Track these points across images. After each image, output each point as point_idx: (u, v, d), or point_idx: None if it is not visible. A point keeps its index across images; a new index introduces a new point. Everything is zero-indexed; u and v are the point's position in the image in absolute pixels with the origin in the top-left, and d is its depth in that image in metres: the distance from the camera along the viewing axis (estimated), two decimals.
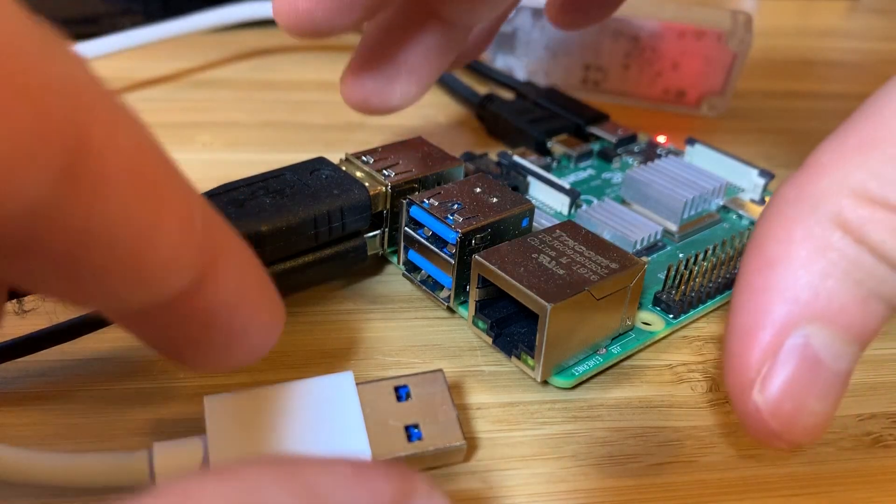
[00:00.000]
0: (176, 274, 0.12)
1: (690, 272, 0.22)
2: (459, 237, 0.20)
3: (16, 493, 0.16)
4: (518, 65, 0.36)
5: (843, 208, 0.15)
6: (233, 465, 0.11)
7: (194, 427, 0.17)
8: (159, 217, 0.11)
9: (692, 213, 0.25)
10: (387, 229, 0.22)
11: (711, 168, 0.27)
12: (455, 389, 0.19)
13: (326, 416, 0.16)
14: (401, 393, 0.17)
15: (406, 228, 0.21)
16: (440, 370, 0.18)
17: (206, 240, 0.12)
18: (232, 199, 0.20)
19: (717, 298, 0.23)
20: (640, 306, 0.22)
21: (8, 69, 0.09)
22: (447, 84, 0.35)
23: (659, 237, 0.24)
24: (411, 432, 0.17)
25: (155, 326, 0.13)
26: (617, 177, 0.28)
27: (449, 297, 0.21)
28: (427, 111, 0.34)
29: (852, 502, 0.17)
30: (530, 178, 0.26)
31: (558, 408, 0.19)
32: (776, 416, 0.15)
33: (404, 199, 0.21)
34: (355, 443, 0.16)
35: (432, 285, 0.21)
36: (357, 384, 0.17)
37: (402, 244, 0.22)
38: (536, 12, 0.35)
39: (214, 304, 0.13)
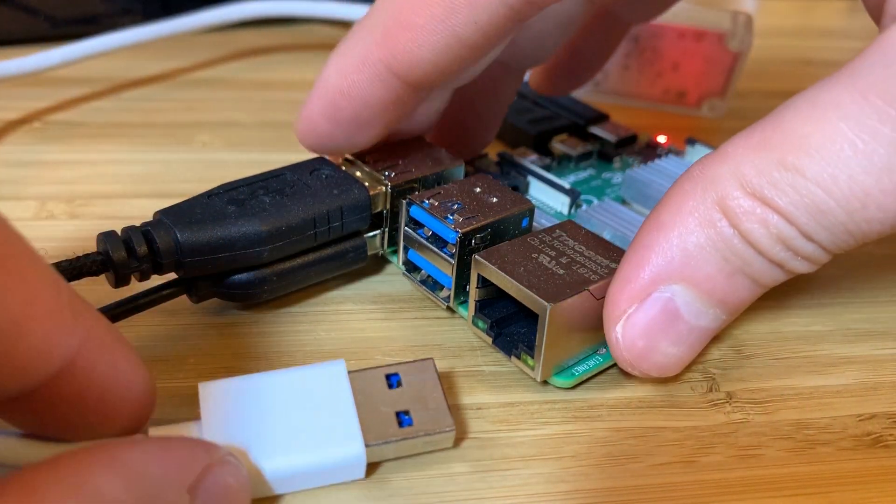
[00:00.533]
0: (50, 357, 0.13)
1: None
2: (459, 237, 0.20)
3: None
4: None
5: (728, 195, 0.17)
6: (66, 455, 0.12)
7: None
8: (31, 308, 0.12)
9: None
10: (387, 229, 0.22)
11: None
12: (455, 389, 0.19)
13: (319, 402, 0.17)
14: (392, 381, 0.18)
15: (406, 228, 0.21)
16: (430, 358, 0.18)
17: (75, 323, 0.13)
18: (232, 198, 0.20)
19: None
20: None
21: None
22: None
23: None
24: (402, 419, 0.17)
25: (29, 410, 0.14)
26: (617, 177, 0.28)
27: (449, 297, 0.21)
28: None
29: (852, 502, 0.17)
30: (530, 178, 0.26)
31: (558, 408, 0.19)
32: (630, 349, 0.18)
33: (404, 198, 0.21)
34: (347, 429, 0.16)
35: (432, 285, 0.21)
36: (349, 372, 0.17)
37: (402, 244, 0.22)
38: None
39: (85, 382, 0.14)
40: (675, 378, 0.20)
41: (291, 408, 0.16)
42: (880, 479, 0.18)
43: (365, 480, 0.17)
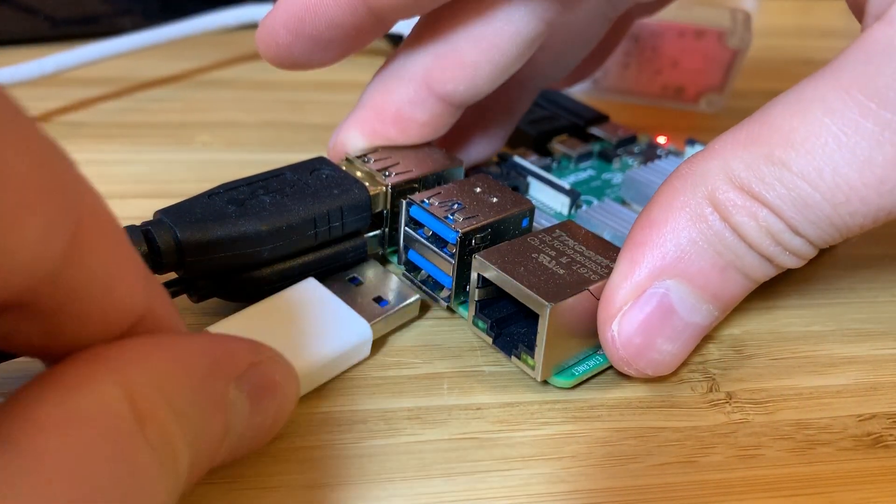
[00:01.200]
0: (132, 311, 0.13)
1: None
2: (460, 237, 0.20)
3: None
4: None
5: (717, 189, 0.17)
6: (116, 344, 0.13)
7: None
8: (121, 268, 0.13)
9: None
10: (387, 229, 0.22)
11: None
12: (455, 389, 0.19)
13: (314, 309, 0.19)
14: (353, 282, 0.21)
15: (406, 228, 0.21)
16: (371, 258, 0.22)
17: (147, 283, 0.14)
18: (232, 198, 0.20)
19: None
20: None
21: (47, 175, 0.11)
22: None
23: None
24: (379, 303, 0.20)
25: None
26: (617, 177, 0.28)
27: (449, 296, 0.21)
28: None
29: (853, 503, 0.17)
30: (530, 179, 0.26)
31: (558, 408, 0.19)
32: (626, 347, 0.18)
33: (404, 198, 0.21)
34: (351, 320, 0.19)
35: (432, 285, 0.21)
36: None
37: (402, 244, 0.22)
38: None
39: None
40: (674, 378, 0.20)
41: (294, 319, 0.19)
42: (881, 479, 0.18)
43: (366, 481, 0.17)
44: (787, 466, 0.18)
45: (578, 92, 0.35)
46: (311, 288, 0.20)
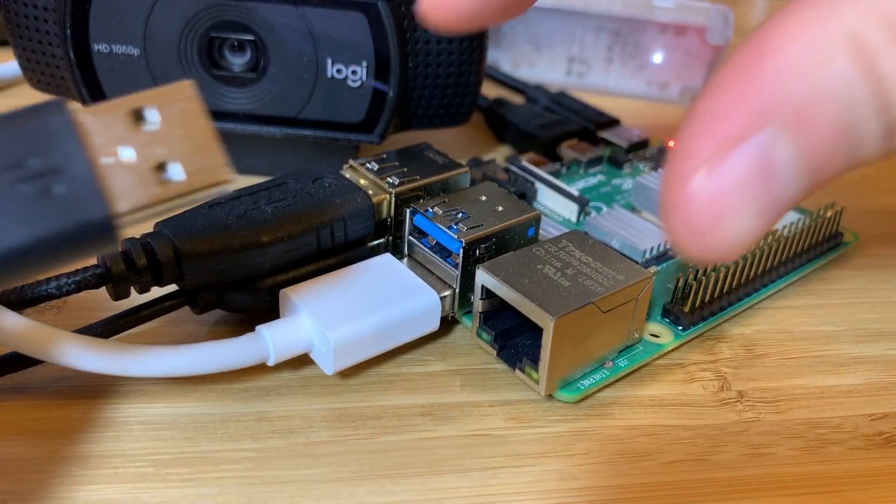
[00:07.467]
0: None
1: (700, 283, 0.22)
2: (463, 247, 0.21)
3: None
4: (503, 58, 0.39)
5: (863, 27, 0.14)
6: None
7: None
8: None
9: None
10: (391, 238, 0.23)
11: None
12: (468, 386, 0.21)
13: (387, 279, 0.21)
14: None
15: (410, 237, 0.23)
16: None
17: None
18: (233, 208, 0.21)
19: (728, 310, 0.23)
20: (649, 318, 0.23)
21: None
22: None
23: (669, 246, 0.25)
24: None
25: None
26: (627, 183, 0.29)
27: (453, 307, 0.22)
28: None
29: (863, 502, 0.19)
30: (539, 185, 0.27)
31: (570, 406, 0.20)
32: (704, 213, 0.14)
33: (408, 206, 0.22)
34: (419, 288, 0.21)
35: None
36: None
37: (406, 253, 0.23)
38: None
39: None
40: (686, 377, 0.22)
41: (369, 286, 0.21)
42: (892, 478, 0.19)
43: (380, 476, 0.18)
44: (798, 465, 0.19)
45: (559, 84, 0.38)
46: (385, 262, 0.22)
